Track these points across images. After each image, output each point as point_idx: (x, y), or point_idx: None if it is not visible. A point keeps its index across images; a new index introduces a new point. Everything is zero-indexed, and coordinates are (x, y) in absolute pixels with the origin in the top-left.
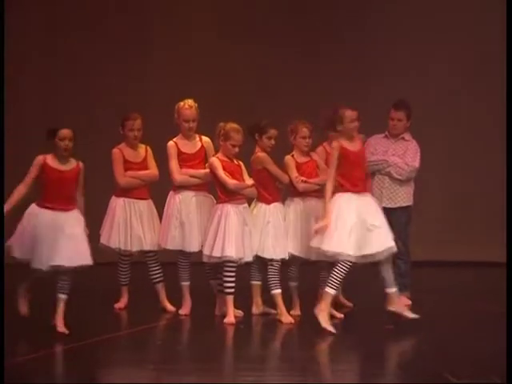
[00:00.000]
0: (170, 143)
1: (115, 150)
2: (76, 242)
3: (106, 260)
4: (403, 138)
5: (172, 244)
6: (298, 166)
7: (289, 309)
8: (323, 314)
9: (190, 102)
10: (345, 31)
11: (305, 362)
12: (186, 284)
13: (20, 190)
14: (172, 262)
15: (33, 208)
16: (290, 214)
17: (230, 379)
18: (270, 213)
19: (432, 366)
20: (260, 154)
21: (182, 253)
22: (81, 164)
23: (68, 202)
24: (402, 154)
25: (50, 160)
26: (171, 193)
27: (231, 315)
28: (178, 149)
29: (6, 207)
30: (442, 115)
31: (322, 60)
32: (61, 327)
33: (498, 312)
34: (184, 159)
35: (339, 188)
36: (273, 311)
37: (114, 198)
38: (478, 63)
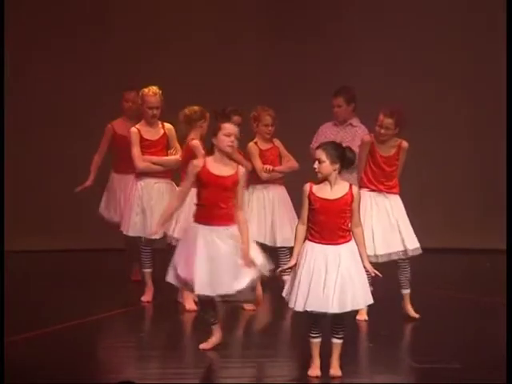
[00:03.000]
0: (133, 129)
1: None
2: None
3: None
4: (351, 124)
5: (133, 230)
6: (262, 153)
7: None
8: None
9: (154, 88)
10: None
11: (267, 349)
12: (148, 271)
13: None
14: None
15: None
16: (254, 201)
17: (192, 366)
18: None
19: (395, 352)
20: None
21: (144, 240)
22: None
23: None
24: (350, 140)
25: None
26: (133, 179)
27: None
28: (141, 135)
29: None
30: (439, 102)
31: (299, 46)
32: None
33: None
34: (146, 146)
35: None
36: None
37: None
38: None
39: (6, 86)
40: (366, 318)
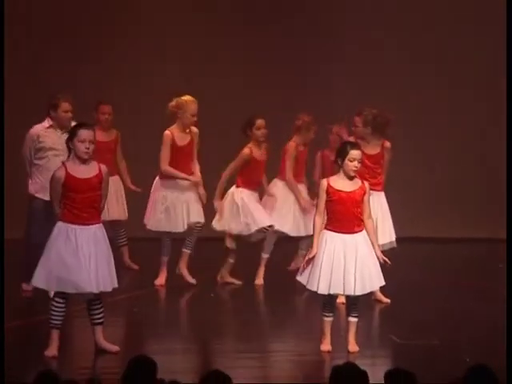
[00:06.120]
0: (167, 133)
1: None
2: None
3: None
4: None
5: (158, 226)
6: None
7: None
8: None
9: (191, 97)
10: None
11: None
12: (165, 258)
13: None
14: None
15: None
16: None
17: (199, 342)
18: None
19: (381, 330)
20: (245, 149)
21: (166, 233)
22: None
23: None
24: None
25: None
26: (157, 179)
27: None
28: (173, 140)
29: None
30: (438, 98)
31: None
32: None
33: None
34: (176, 150)
35: None
36: (237, 282)
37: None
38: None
39: (6, 84)
40: (344, 301)
